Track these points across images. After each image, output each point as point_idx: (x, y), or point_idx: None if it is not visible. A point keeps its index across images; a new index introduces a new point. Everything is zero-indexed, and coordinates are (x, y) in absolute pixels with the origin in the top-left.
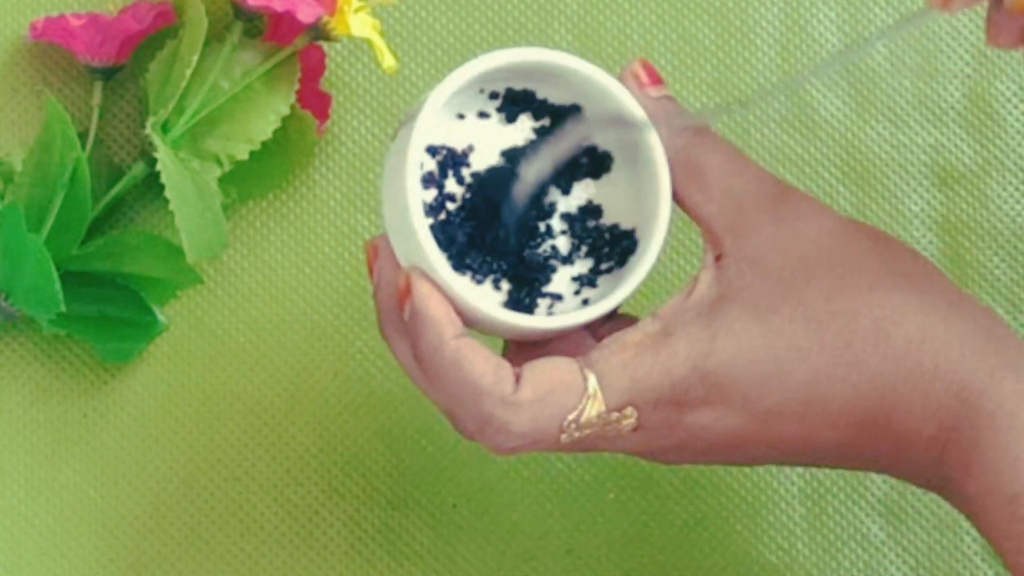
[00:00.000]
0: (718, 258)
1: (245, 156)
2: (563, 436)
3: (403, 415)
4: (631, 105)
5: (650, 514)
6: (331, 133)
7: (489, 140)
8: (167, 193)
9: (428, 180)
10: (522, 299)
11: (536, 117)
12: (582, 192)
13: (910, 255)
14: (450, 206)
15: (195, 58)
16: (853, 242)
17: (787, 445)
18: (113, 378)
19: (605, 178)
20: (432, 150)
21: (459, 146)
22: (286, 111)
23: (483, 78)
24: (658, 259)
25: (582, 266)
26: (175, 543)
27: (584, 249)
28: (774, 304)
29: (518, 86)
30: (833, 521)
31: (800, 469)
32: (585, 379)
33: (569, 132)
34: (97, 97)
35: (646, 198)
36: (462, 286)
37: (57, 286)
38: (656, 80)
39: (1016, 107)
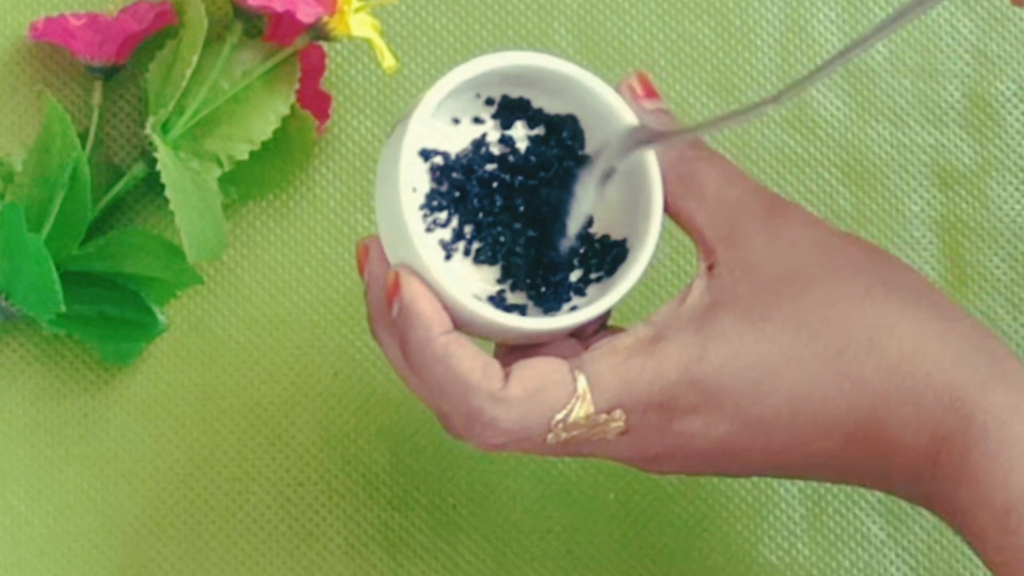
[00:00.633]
0: (711, 267)
1: (245, 156)
2: (550, 436)
3: (403, 415)
4: (628, 117)
5: (650, 514)
6: (331, 133)
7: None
8: (167, 193)
9: (421, 182)
10: (511, 303)
11: (531, 125)
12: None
13: (903, 268)
14: (442, 209)
15: (195, 58)
16: (846, 254)
17: (777, 454)
18: (113, 378)
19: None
20: (425, 153)
21: (452, 150)
22: (286, 111)
23: (478, 82)
24: (648, 268)
25: (572, 275)
26: (175, 543)
27: (575, 259)
28: (767, 312)
29: (514, 93)
30: (833, 521)
31: None
32: (575, 379)
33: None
34: (97, 97)
35: (638, 209)
36: (451, 285)
37: (57, 286)
38: (651, 93)
39: (1016, 107)
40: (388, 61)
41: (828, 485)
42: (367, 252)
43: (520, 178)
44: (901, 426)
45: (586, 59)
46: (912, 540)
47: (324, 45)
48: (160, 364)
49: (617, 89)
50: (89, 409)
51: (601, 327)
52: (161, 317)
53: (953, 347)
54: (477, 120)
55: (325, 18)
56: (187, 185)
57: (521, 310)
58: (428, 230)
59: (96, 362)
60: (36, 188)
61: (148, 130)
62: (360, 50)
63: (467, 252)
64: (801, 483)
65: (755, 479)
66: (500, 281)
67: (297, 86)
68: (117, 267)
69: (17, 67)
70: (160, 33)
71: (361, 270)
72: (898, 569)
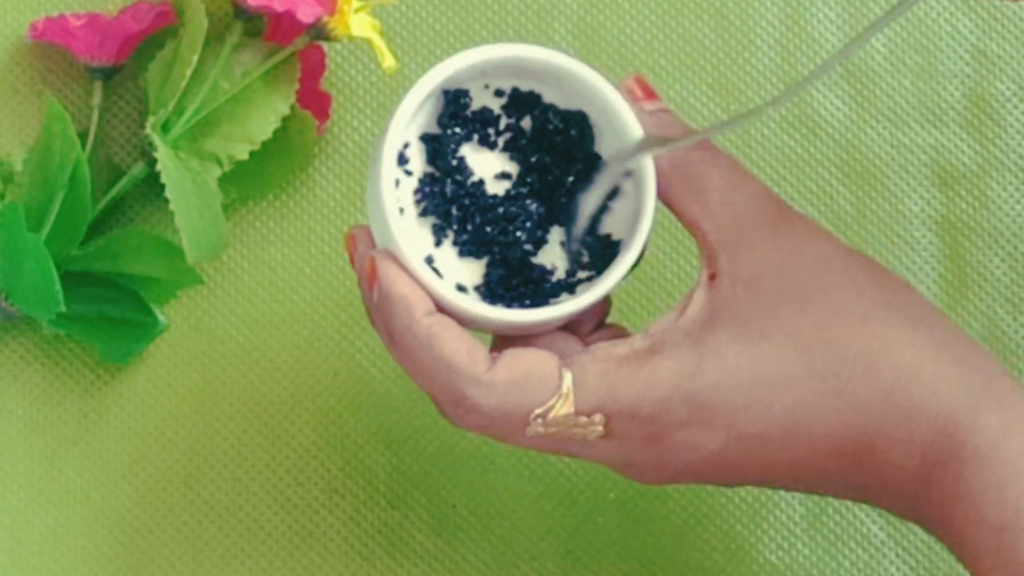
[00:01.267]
0: (712, 276)
1: (245, 156)
2: (528, 428)
3: (403, 415)
4: (634, 125)
5: (650, 514)
6: (331, 133)
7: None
8: (167, 193)
9: (417, 165)
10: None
11: (540, 120)
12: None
13: (904, 289)
14: (434, 195)
15: (195, 58)
16: (849, 271)
17: (769, 470)
18: (113, 378)
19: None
20: (425, 137)
21: (450, 139)
22: (286, 111)
23: (484, 71)
24: (634, 266)
25: (561, 272)
26: (175, 543)
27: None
28: (766, 329)
29: (525, 87)
30: (833, 521)
31: None
32: (561, 377)
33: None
34: (97, 97)
35: (636, 206)
36: (429, 272)
37: (57, 286)
38: (650, 95)
39: (1016, 107)
40: (388, 61)
41: None
42: (355, 241)
43: (519, 173)
44: (894, 448)
45: (586, 59)
46: (912, 540)
47: (324, 45)
48: (160, 364)
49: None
50: (89, 409)
51: (599, 326)
52: (161, 317)
53: (948, 370)
54: (486, 110)
55: (325, 18)
56: (187, 185)
57: (506, 303)
58: (422, 214)
59: (96, 362)
60: (36, 188)
61: (148, 130)
62: (360, 50)
63: (455, 243)
64: None
65: None
66: (486, 275)
67: (297, 86)
68: (117, 267)
69: (17, 67)
70: (160, 33)
71: (352, 260)
72: (898, 569)
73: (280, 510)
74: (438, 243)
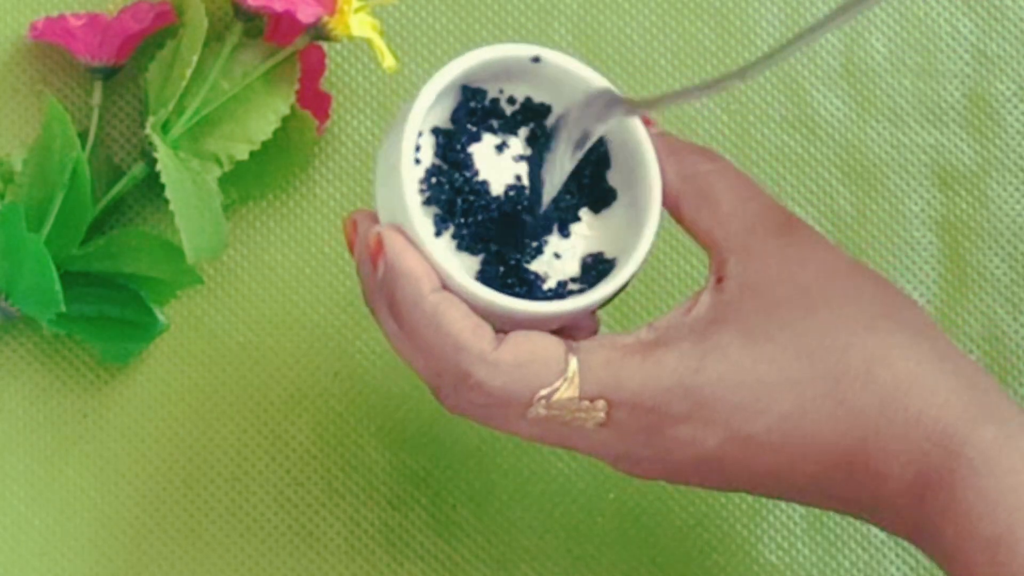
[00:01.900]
0: (720, 280)
1: (245, 156)
2: (530, 410)
3: (403, 415)
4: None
5: (650, 514)
6: (331, 133)
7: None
8: (167, 193)
9: (425, 156)
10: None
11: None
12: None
13: (908, 303)
14: (440, 187)
15: (195, 58)
16: (854, 282)
17: (763, 473)
18: (113, 378)
19: (604, 212)
20: (437, 131)
21: (462, 133)
22: (286, 111)
23: (503, 69)
24: (636, 274)
25: (551, 281)
26: (175, 543)
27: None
28: (769, 332)
29: (538, 97)
30: (833, 521)
31: None
32: (567, 360)
33: (563, 126)
34: (97, 97)
35: (637, 224)
36: (441, 253)
37: (57, 286)
38: (647, 122)
39: (1016, 107)
40: (388, 61)
41: None
42: (355, 225)
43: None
44: (889, 458)
45: (586, 59)
46: None
47: (324, 45)
48: (160, 364)
49: None
50: (89, 409)
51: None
52: (161, 317)
53: (946, 384)
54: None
55: (325, 18)
56: (187, 185)
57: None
58: (425, 203)
59: (96, 362)
60: (36, 188)
61: (148, 130)
62: (360, 50)
63: (454, 236)
64: None
65: None
66: (480, 272)
67: (297, 86)
68: (117, 267)
69: (17, 67)
70: (160, 33)
71: (350, 245)
72: (898, 569)
73: (280, 510)
74: (438, 233)
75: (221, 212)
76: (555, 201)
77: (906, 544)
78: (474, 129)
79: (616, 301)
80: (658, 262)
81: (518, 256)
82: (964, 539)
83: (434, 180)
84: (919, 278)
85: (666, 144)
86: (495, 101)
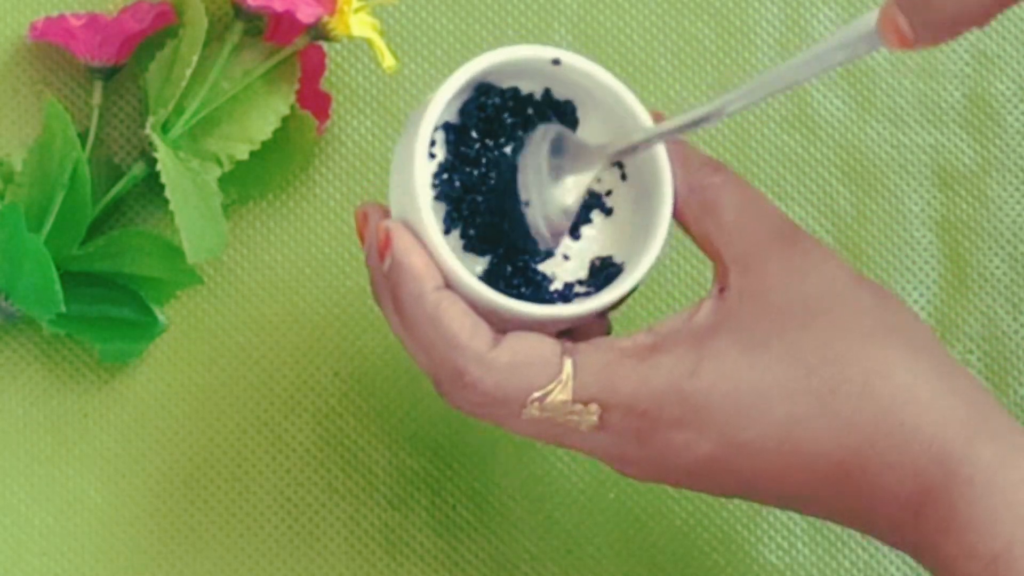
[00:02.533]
0: (722, 290)
1: (245, 156)
2: (524, 411)
3: (403, 415)
4: (662, 155)
5: (650, 514)
6: (331, 133)
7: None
8: (167, 193)
9: (438, 152)
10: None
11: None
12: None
13: (909, 317)
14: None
15: (195, 58)
16: (855, 294)
17: (756, 481)
18: (113, 378)
19: (615, 215)
20: (447, 127)
21: (476, 131)
22: (286, 111)
23: (522, 69)
24: (644, 278)
25: (558, 283)
26: (175, 543)
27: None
28: (767, 340)
29: (561, 95)
30: None
31: None
32: (562, 363)
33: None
34: (97, 97)
35: (646, 230)
36: (447, 250)
37: (57, 286)
38: (658, 117)
39: (1016, 107)
40: (388, 61)
41: None
42: (366, 218)
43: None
44: (885, 472)
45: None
46: None
47: (324, 45)
48: (160, 364)
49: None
50: (89, 409)
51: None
52: (161, 317)
53: (945, 400)
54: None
55: (325, 18)
56: (187, 185)
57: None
58: (436, 199)
59: (96, 362)
60: (36, 188)
61: (148, 130)
62: (360, 50)
63: (463, 235)
64: None
65: None
66: (487, 270)
67: (297, 86)
68: (117, 267)
69: (17, 67)
70: (160, 33)
71: (360, 236)
72: (898, 569)
73: (280, 510)
74: (447, 231)
75: (221, 212)
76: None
77: None
78: (488, 128)
79: (620, 309)
80: (664, 268)
81: (527, 256)
82: (962, 556)
83: (446, 176)
84: (919, 278)
85: (677, 153)
86: (511, 99)
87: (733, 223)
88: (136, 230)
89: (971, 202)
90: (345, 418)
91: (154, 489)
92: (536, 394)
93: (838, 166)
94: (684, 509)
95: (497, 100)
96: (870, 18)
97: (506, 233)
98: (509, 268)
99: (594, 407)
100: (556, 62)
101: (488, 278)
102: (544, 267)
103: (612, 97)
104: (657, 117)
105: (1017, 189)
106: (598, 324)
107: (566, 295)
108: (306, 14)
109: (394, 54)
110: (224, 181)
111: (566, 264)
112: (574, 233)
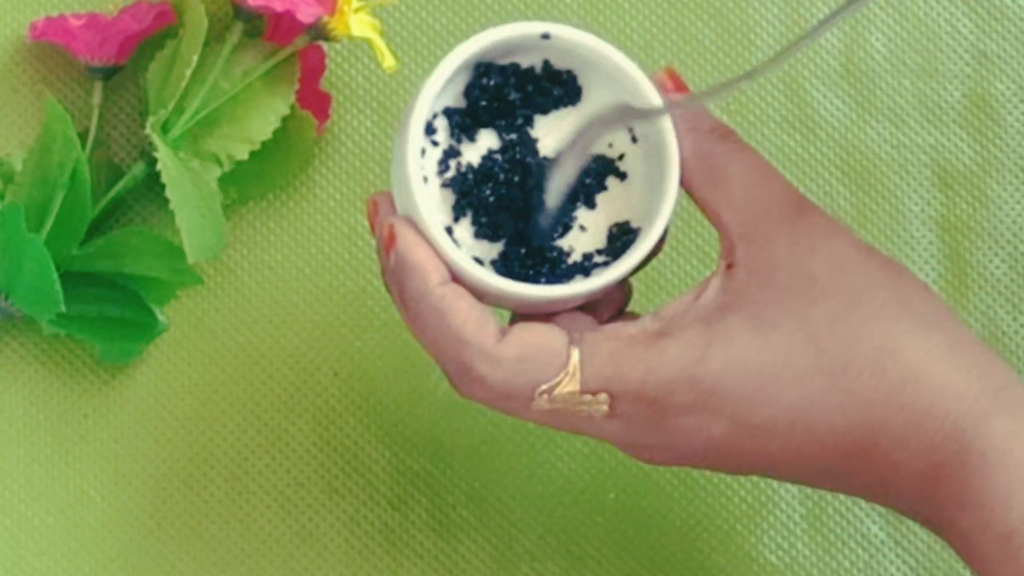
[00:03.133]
0: (729, 266)
1: (245, 156)
2: (533, 403)
3: (403, 415)
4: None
5: (650, 514)
6: (331, 133)
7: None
8: (167, 193)
9: (441, 138)
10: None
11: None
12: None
13: (920, 290)
14: (458, 168)
15: (195, 58)
16: (865, 269)
17: (772, 460)
18: (113, 378)
19: (629, 179)
20: (448, 112)
21: (478, 113)
22: (286, 111)
23: (515, 47)
24: (654, 251)
25: (576, 255)
26: (175, 543)
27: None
28: (776, 319)
29: (557, 63)
30: (833, 521)
31: None
32: (569, 354)
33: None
34: (97, 97)
35: (656, 195)
36: (449, 244)
37: (57, 286)
38: (680, 87)
39: (1016, 107)
40: (388, 61)
41: None
42: (377, 207)
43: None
44: (899, 448)
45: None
46: (912, 540)
47: (324, 45)
48: (160, 364)
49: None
50: (89, 409)
51: (618, 315)
52: (161, 317)
53: (958, 375)
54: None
55: (325, 18)
56: (187, 185)
57: (521, 280)
58: (444, 186)
59: (96, 362)
60: (36, 188)
61: (148, 130)
62: (360, 50)
63: (474, 220)
64: None
65: (755, 479)
66: (502, 252)
67: (297, 86)
68: (117, 267)
69: (17, 67)
70: (160, 33)
71: (372, 227)
72: (898, 569)
73: (280, 510)
74: (457, 218)
75: (221, 212)
76: (582, 173)
77: (906, 544)
78: (489, 107)
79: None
80: (661, 264)
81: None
82: (978, 531)
83: (451, 163)
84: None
85: (685, 115)
86: (512, 75)
87: (740, 193)
88: (136, 230)
89: (971, 202)
90: (345, 418)
91: (154, 489)
92: (544, 386)
93: (838, 166)
94: (684, 509)
95: (498, 78)
96: None
97: (520, 212)
98: (523, 249)
99: (603, 396)
100: (546, 36)
101: (504, 260)
102: (561, 242)
103: (610, 64)
104: (670, 76)
105: (1017, 189)
106: (619, 291)
107: (585, 267)
108: (306, 14)
109: (394, 54)
110: (224, 181)
111: (582, 236)
112: (589, 203)
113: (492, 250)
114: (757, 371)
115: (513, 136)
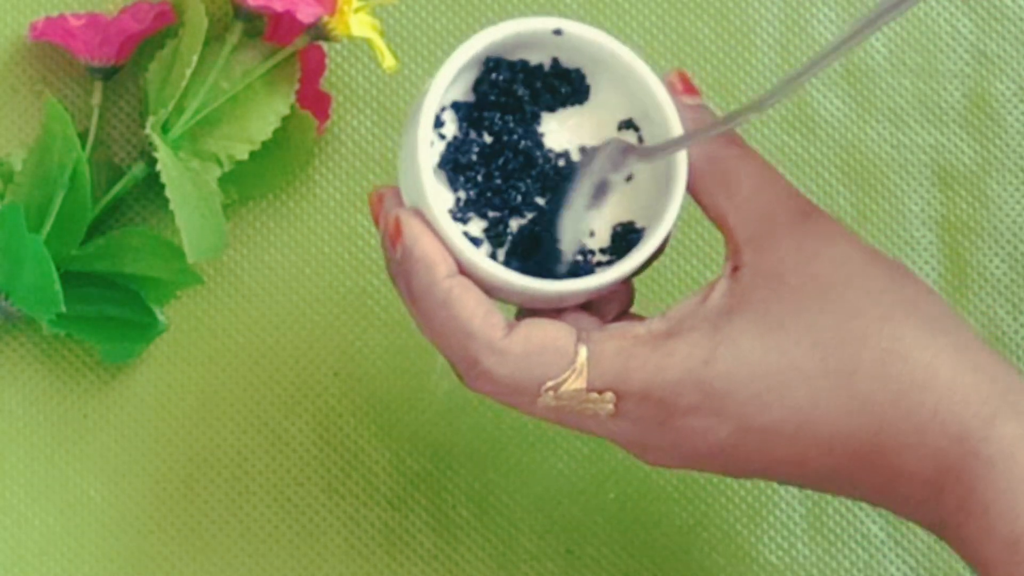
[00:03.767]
0: (735, 269)
1: (245, 156)
2: (539, 400)
3: (403, 415)
4: (674, 117)
5: (650, 514)
6: (331, 133)
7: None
8: (167, 193)
9: (450, 130)
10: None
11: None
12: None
13: (926, 293)
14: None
15: (195, 58)
16: (871, 273)
17: (777, 463)
18: (113, 378)
19: (635, 179)
20: (456, 106)
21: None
22: (286, 111)
23: (525, 43)
24: (659, 250)
25: (582, 253)
26: (175, 543)
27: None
28: (783, 322)
29: (566, 62)
30: (833, 521)
31: None
32: (576, 351)
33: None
34: (97, 97)
35: (662, 195)
36: (456, 232)
37: (57, 286)
38: (690, 89)
39: (1016, 107)
40: (388, 61)
41: None
42: (381, 200)
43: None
44: (905, 453)
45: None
46: (912, 540)
47: (324, 45)
48: (160, 364)
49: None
50: (89, 409)
51: (622, 315)
52: (161, 317)
53: (964, 379)
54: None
55: (325, 18)
56: (187, 185)
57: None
58: (450, 179)
59: (96, 362)
60: (36, 188)
61: (148, 130)
62: (360, 50)
63: (479, 213)
64: None
65: (755, 479)
66: (507, 250)
67: (297, 86)
68: (117, 267)
69: (17, 67)
70: (160, 33)
71: (375, 219)
72: (898, 569)
73: (280, 510)
74: (462, 211)
75: (221, 212)
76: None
77: (906, 544)
78: (498, 102)
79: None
80: (662, 264)
81: (544, 228)
82: (984, 537)
83: (457, 156)
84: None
85: (693, 120)
86: (521, 71)
87: (746, 197)
88: (136, 230)
89: (971, 202)
90: (345, 418)
91: (154, 489)
92: (550, 383)
93: (838, 166)
94: (684, 509)
95: (507, 74)
96: None
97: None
98: (529, 244)
99: (609, 395)
100: (558, 32)
101: (509, 255)
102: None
103: (620, 64)
104: (680, 78)
105: (1017, 189)
106: (623, 291)
107: (588, 265)
108: (306, 14)
109: (394, 54)
110: (224, 181)
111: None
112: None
113: (497, 244)
114: (763, 373)
115: (520, 132)
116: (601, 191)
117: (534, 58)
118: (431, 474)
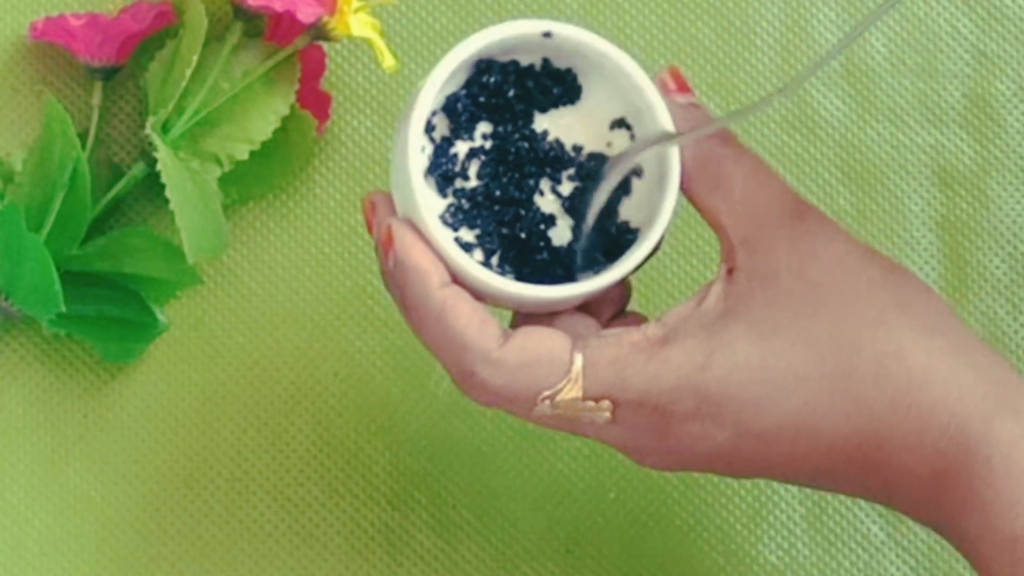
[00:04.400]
0: (730, 271)
1: (245, 156)
2: (535, 408)
3: (403, 415)
4: (664, 117)
5: (650, 514)
6: (331, 133)
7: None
8: (167, 193)
9: (439, 136)
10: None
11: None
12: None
13: (922, 292)
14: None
15: (195, 58)
16: (867, 272)
17: (776, 466)
18: (113, 378)
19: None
20: (448, 109)
21: (476, 110)
22: (286, 111)
23: (514, 46)
24: (652, 253)
25: (578, 256)
26: (175, 543)
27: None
28: (778, 325)
29: (557, 63)
30: (833, 521)
31: None
32: (572, 360)
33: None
34: (97, 97)
35: (657, 196)
36: (447, 239)
37: (57, 286)
38: (683, 88)
39: (1016, 107)
40: (388, 61)
41: None
42: (374, 207)
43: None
44: (904, 453)
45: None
46: (912, 540)
47: (324, 45)
48: (160, 364)
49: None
50: (89, 409)
51: (619, 314)
52: (161, 317)
53: (962, 378)
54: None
55: (325, 18)
56: (187, 185)
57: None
58: (440, 185)
59: (96, 362)
60: (36, 188)
61: (148, 130)
62: (360, 50)
63: (470, 217)
64: None
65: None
66: (499, 252)
67: (297, 86)
68: (117, 267)
69: (17, 67)
70: (160, 33)
71: (369, 226)
72: (898, 569)
73: (280, 510)
74: (455, 217)
75: (221, 212)
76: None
77: (906, 544)
78: (487, 104)
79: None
80: (661, 264)
81: (537, 232)
82: (983, 536)
83: (449, 161)
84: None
85: (686, 119)
86: (512, 73)
87: (740, 197)
88: (136, 230)
89: (971, 202)
90: (345, 418)
91: (154, 489)
92: (546, 392)
93: (838, 166)
94: (684, 509)
95: (498, 76)
96: None
97: (515, 213)
98: (521, 249)
99: (606, 403)
100: (547, 35)
101: (502, 261)
102: (556, 240)
103: (610, 63)
104: (672, 76)
105: (1017, 189)
106: (619, 290)
107: (584, 268)
108: (306, 14)
109: (394, 54)
110: (224, 181)
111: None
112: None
113: (490, 250)
114: (760, 378)
115: (512, 134)
116: (613, 202)
117: (525, 59)
118: (431, 474)
